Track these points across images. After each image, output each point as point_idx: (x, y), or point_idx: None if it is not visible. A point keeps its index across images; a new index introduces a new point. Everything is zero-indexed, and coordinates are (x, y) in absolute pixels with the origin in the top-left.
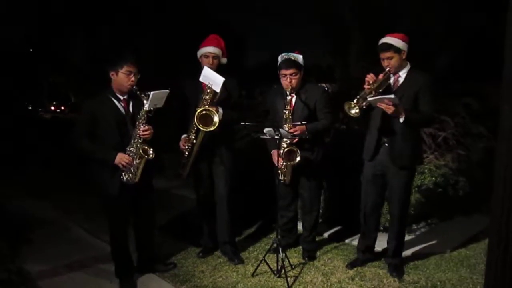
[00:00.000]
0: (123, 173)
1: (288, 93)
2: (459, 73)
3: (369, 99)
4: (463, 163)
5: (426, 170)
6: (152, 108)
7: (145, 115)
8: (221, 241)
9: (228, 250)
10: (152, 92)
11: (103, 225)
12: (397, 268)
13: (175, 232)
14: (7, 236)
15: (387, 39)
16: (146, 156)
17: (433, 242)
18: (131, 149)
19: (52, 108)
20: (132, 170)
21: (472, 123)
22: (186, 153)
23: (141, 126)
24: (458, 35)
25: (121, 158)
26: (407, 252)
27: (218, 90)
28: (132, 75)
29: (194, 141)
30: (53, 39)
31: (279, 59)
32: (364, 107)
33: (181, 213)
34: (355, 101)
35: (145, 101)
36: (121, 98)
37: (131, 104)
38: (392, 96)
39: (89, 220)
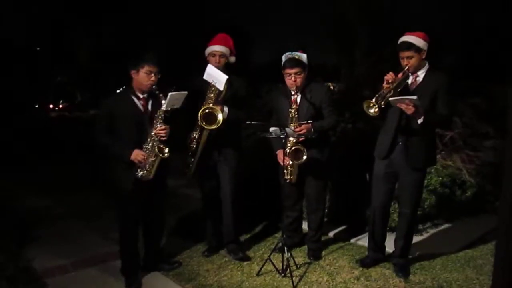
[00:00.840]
0: (138, 169)
1: (293, 92)
2: (466, 72)
3: (390, 99)
4: (470, 163)
5: (432, 170)
6: (169, 109)
7: (163, 115)
8: (226, 240)
9: (233, 248)
10: (170, 93)
11: (109, 223)
12: (403, 268)
13: (181, 231)
14: (14, 234)
15: (408, 38)
16: (161, 155)
17: (440, 242)
18: (147, 146)
19: (51, 106)
20: (147, 167)
21: (480, 123)
22: (192, 149)
23: (158, 125)
24: (465, 34)
25: (137, 154)
26: (413, 252)
27: (221, 88)
28: (152, 75)
29: (199, 140)
30: (60, 37)
31: (283, 58)
32: (383, 105)
33: (187, 212)
34: (374, 100)
35: (163, 101)
36: (141, 96)
37: (150, 102)
38: (415, 97)
39: (95, 218)
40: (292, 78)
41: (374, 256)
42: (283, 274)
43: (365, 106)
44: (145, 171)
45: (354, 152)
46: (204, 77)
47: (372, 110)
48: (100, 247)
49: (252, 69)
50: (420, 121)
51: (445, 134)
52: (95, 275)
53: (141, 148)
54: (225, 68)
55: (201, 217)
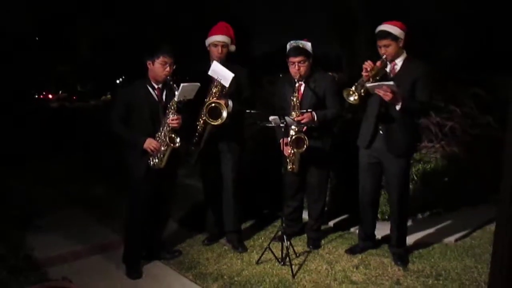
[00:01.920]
0: (151, 158)
1: (296, 80)
2: (468, 63)
3: (368, 85)
4: (469, 153)
5: (432, 160)
6: (181, 99)
7: (175, 105)
8: (227, 229)
9: (233, 238)
10: (182, 84)
11: (109, 213)
12: (402, 257)
13: (181, 220)
14: (16, 223)
15: (385, 27)
16: (172, 145)
17: (438, 231)
18: (160, 136)
19: (41, 96)
20: (159, 156)
21: (480, 113)
22: (195, 141)
23: (171, 115)
24: (467, 25)
25: (149, 143)
26: (411, 241)
27: (227, 85)
28: (167, 66)
29: (203, 132)
30: (61, 29)
31: (288, 46)
32: (362, 94)
33: (187, 201)
34: (353, 88)
35: (176, 92)
36: (156, 86)
37: (164, 93)
38: (391, 82)
39: (95, 208)
40: (296, 67)
41: (363, 245)
42: (282, 263)
43: (345, 94)
44: (156, 160)
45: (354, 141)
46: (209, 73)
47: (352, 98)
48: (101, 237)
49: (253, 60)
50: (398, 107)
51: (446, 123)
52: (95, 264)
53: (154, 137)
54: (226, 57)
55: (201, 206)
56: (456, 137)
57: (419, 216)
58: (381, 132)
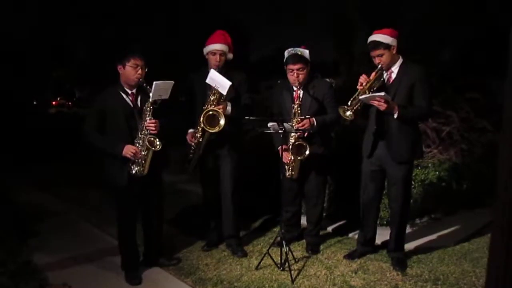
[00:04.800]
0: (132, 166)
1: (295, 88)
2: (463, 67)
3: (361, 97)
4: (466, 157)
5: (430, 165)
6: (156, 100)
7: (151, 107)
8: (226, 235)
9: (233, 243)
10: (154, 83)
11: (108, 218)
12: (400, 261)
13: (180, 226)
14: (15, 229)
15: (376, 37)
16: (152, 148)
17: (436, 236)
18: (139, 141)
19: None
20: (140, 162)
21: (477, 117)
22: (193, 148)
23: (147, 119)
24: (462, 30)
25: (128, 149)
26: (410, 246)
27: (224, 93)
28: (139, 68)
29: (200, 139)
30: (57, 33)
31: (286, 54)
32: (359, 107)
33: (186, 207)
34: (348, 103)
35: (150, 94)
36: (129, 92)
37: (139, 97)
38: (382, 93)
39: (95, 213)
40: (295, 74)
41: (362, 250)
42: (281, 268)
43: (340, 111)
44: (138, 167)
45: (353, 147)
46: (207, 81)
47: (348, 113)
48: (101, 242)
49: (250, 65)
50: (395, 115)
51: (442, 129)
52: (95, 270)
53: (133, 144)
54: (224, 65)
55: (200, 212)
56: (453, 142)
57: (417, 221)
58: (383, 140)
